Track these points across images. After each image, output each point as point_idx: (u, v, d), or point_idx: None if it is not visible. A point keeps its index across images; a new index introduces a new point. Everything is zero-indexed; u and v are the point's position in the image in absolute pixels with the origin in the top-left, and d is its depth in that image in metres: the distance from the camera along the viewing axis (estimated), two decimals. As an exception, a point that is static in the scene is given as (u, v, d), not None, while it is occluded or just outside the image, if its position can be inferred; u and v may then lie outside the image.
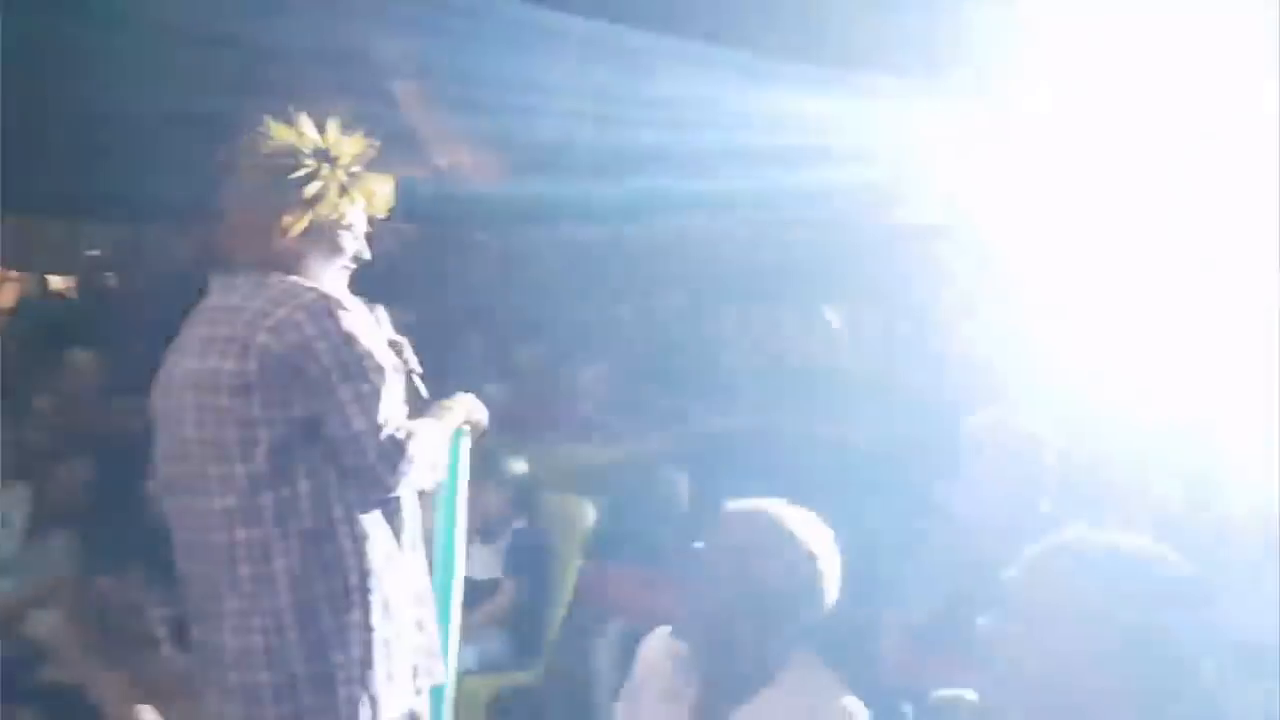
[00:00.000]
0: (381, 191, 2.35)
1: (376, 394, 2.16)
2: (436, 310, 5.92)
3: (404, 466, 2.16)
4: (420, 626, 2.29)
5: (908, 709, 1.79)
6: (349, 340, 2.15)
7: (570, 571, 3.83)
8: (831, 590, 1.88)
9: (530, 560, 3.83)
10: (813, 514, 1.92)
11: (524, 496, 3.94)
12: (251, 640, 2.17)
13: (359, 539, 2.19)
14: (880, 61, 4.76)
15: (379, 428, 2.14)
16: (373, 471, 2.15)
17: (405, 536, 2.28)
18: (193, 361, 2.22)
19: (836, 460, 3.88)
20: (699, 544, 1.93)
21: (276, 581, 2.16)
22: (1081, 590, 1.40)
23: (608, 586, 3.84)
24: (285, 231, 2.23)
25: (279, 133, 2.28)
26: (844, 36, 4.80)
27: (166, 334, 2.36)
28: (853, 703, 1.86)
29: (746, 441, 4.28)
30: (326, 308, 2.15)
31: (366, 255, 2.37)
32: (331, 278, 2.31)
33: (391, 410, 2.19)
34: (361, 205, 2.33)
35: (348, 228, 2.32)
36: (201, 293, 2.34)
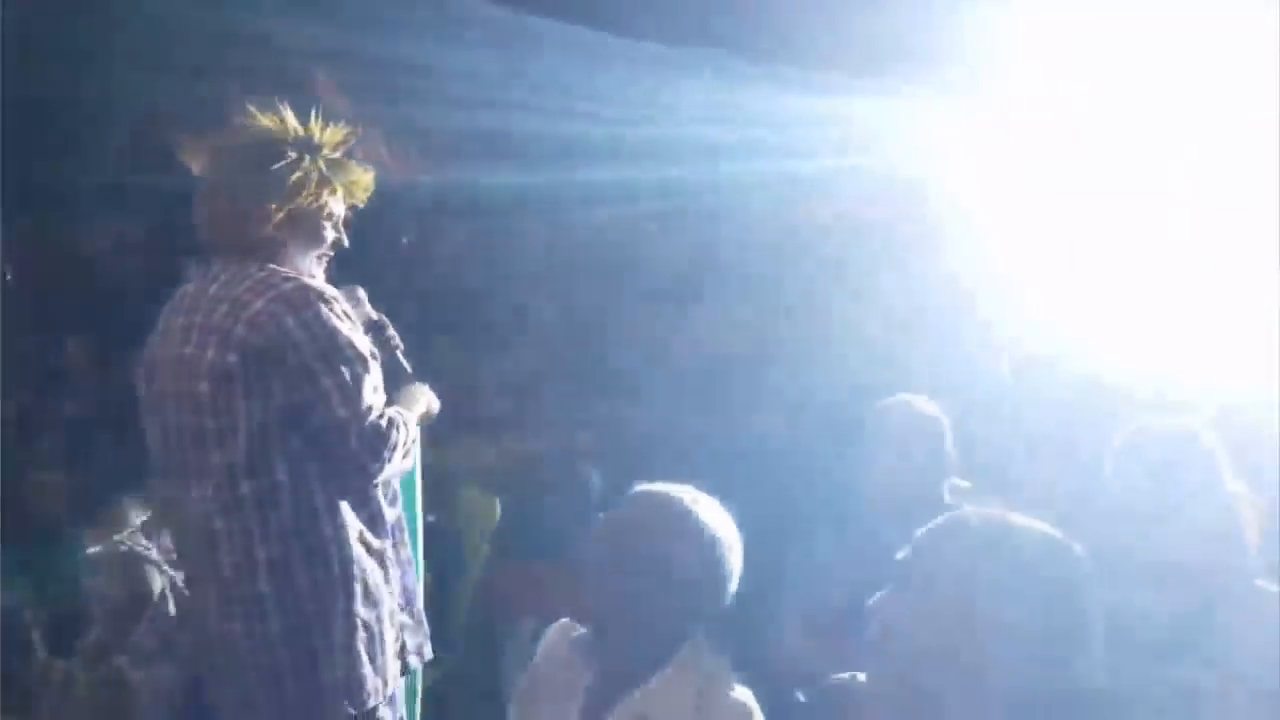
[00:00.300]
0: (362, 180, 2.38)
1: (359, 382, 2.19)
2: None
3: (386, 453, 2.21)
4: (407, 606, 2.34)
5: (800, 696, 1.81)
6: (329, 330, 2.17)
7: (476, 568, 3.80)
8: (733, 577, 1.89)
9: (440, 555, 3.80)
10: (717, 501, 1.93)
11: (436, 491, 3.92)
12: (233, 626, 2.21)
13: (339, 527, 2.22)
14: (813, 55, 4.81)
15: (362, 416, 2.18)
16: (357, 459, 2.19)
17: (386, 520, 2.32)
18: (173, 349, 2.23)
19: (747, 452, 3.91)
20: (601, 524, 1.94)
21: (257, 570, 2.18)
22: (970, 564, 1.41)
23: (519, 585, 3.84)
24: (266, 220, 2.23)
25: (261, 121, 2.29)
26: (767, 27, 4.84)
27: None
28: (741, 691, 1.87)
29: (657, 436, 4.29)
30: (306, 297, 2.17)
31: (345, 243, 2.39)
32: (310, 265, 2.32)
33: (373, 398, 2.22)
34: (341, 194, 2.35)
35: (328, 216, 2.34)
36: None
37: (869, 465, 2.77)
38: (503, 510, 4.04)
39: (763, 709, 1.88)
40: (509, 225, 5.77)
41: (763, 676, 2.58)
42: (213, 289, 2.23)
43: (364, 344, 2.25)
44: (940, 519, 1.49)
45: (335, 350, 2.17)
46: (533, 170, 5.17)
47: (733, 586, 1.90)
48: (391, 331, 2.49)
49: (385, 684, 2.28)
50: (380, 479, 2.25)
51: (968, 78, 4.53)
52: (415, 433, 2.36)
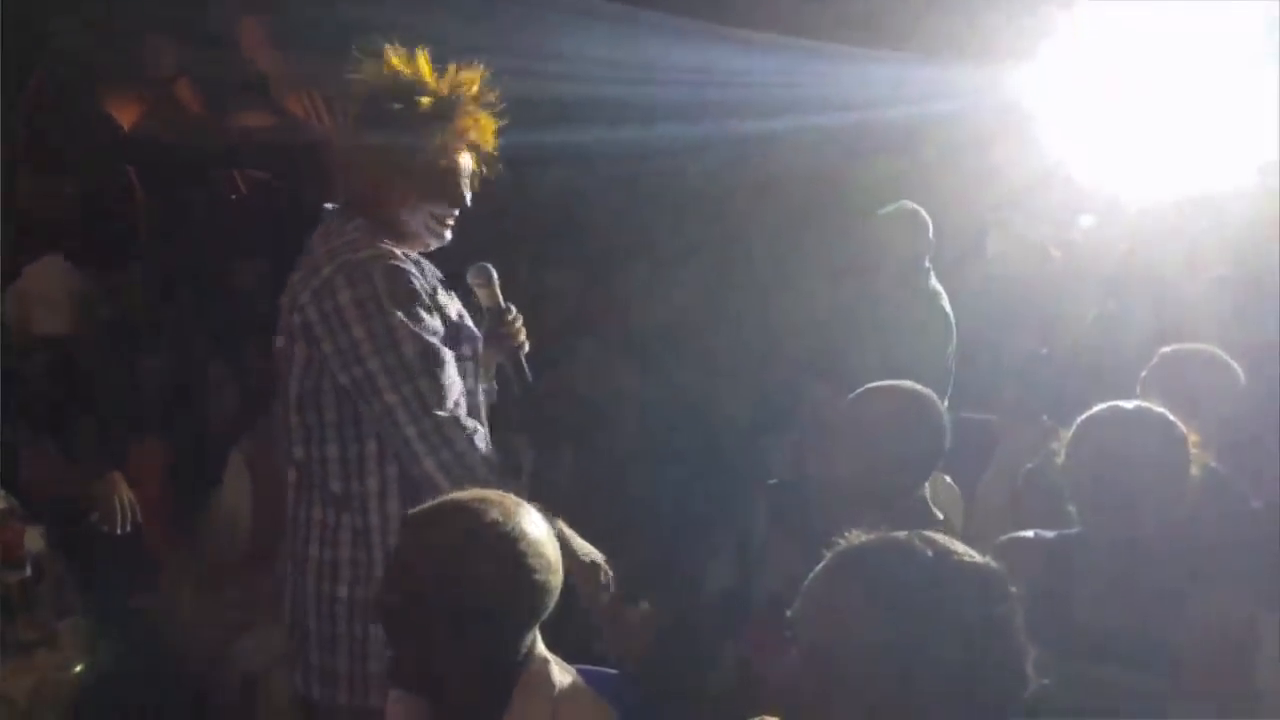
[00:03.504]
0: (487, 130, 2.23)
1: (412, 366, 2.05)
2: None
3: (445, 454, 2.05)
4: None
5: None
6: (383, 306, 2.05)
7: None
8: (546, 579, 1.63)
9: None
10: (503, 502, 1.67)
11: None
12: (282, 582, 2.24)
13: (387, 517, 2.12)
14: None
15: (410, 401, 2.04)
16: (409, 448, 2.07)
17: None
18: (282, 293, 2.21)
19: (682, 425, 3.77)
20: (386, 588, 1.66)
21: (309, 532, 2.16)
22: (873, 597, 1.31)
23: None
24: (380, 170, 2.14)
25: (388, 66, 2.16)
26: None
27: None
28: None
29: (589, 406, 4.12)
30: (368, 271, 2.06)
31: (468, 202, 2.24)
32: (421, 224, 2.21)
33: (431, 386, 2.05)
34: (467, 146, 2.21)
35: (450, 170, 2.19)
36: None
37: (845, 449, 2.46)
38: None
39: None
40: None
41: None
42: (315, 239, 2.19)
43: (432, 325, 2.10)
44: (827, 559, 1.36)
45: (386, 330, 2.06)
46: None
47: (550, 592, 1.64)
48: (515, 326, 2.31)
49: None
50: (441, 480, 2.05)
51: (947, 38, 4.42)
52: (479, 463, 2.11)
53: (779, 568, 2.51)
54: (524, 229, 5.17)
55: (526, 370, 2.34)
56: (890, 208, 4.41)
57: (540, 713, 1.62)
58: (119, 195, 6.91)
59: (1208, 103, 4.22)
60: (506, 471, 2.16)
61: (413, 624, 1.60)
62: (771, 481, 2.68)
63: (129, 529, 2.87)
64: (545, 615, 1.67)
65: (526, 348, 2.35)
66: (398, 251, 2.17)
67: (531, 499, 3.19)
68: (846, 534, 1.39)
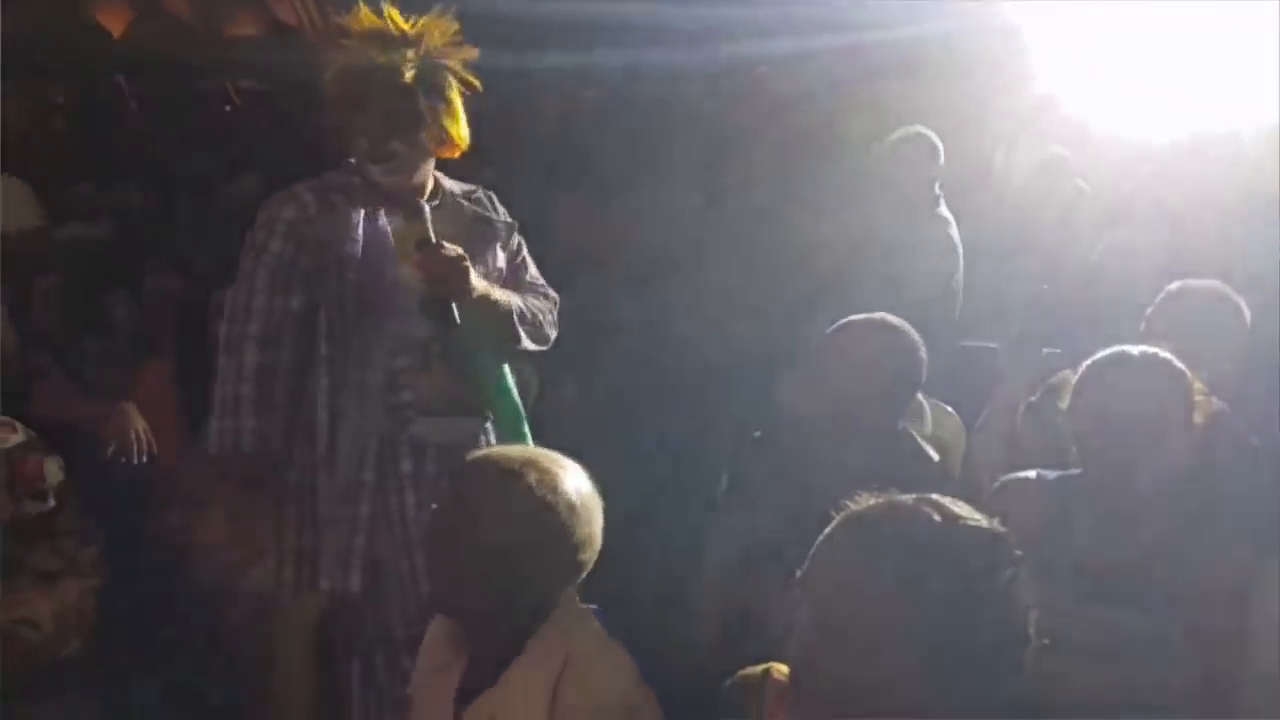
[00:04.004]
0: (458, 70, 2.46)
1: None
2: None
3: None
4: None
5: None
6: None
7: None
8: (588, 541, 1.75)
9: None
10: (554, 454, 1.78)
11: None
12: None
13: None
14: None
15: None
16: None
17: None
18: None
19: (676, 356, 3.77)
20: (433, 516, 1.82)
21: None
22: (862, 579, 1.34)
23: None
24: (350, 109, 2.42)
25: (366, 18, 2.37)
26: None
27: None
28: (614, 657, 1.76)
29: (591, 335, 4.13)
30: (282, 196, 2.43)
31: (442, 137, 2.49)
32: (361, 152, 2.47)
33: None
34: (447, 89, 2.44)
35: (427, 112, 2.43)
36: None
37: (822, 384, 2.48)
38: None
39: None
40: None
41: (684, 616, 2.49)
42: None
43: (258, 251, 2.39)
44: (834, 524, 1.39)
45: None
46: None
47: (588, 543, 1.75)
48: (441, 261, 2.44)
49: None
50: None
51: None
52: None
53: (766, 508, 2.55)
54: (521, 157, 5.12)
55: (454, 313, 2.41)
56: (900, 132, 4.38)
57: (553, 653, 1.71)
58: (109, 104, 6.82)
59: (1227, 37, 4.17)
60: None
61: (447, 562, 1.74)
62: (757, 433, 2.69)
63: (144, 459, 2.91)
64: (575, 574, 1.76)
65: (456, 289, 2.44)
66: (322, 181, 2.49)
67: (534, 425, 3.28)
68: (855, 497, 1.42)
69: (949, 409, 3.37)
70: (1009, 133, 4.98)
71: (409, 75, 2.40)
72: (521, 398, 4.10)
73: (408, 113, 2.43)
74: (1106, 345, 2.26)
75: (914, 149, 4.33)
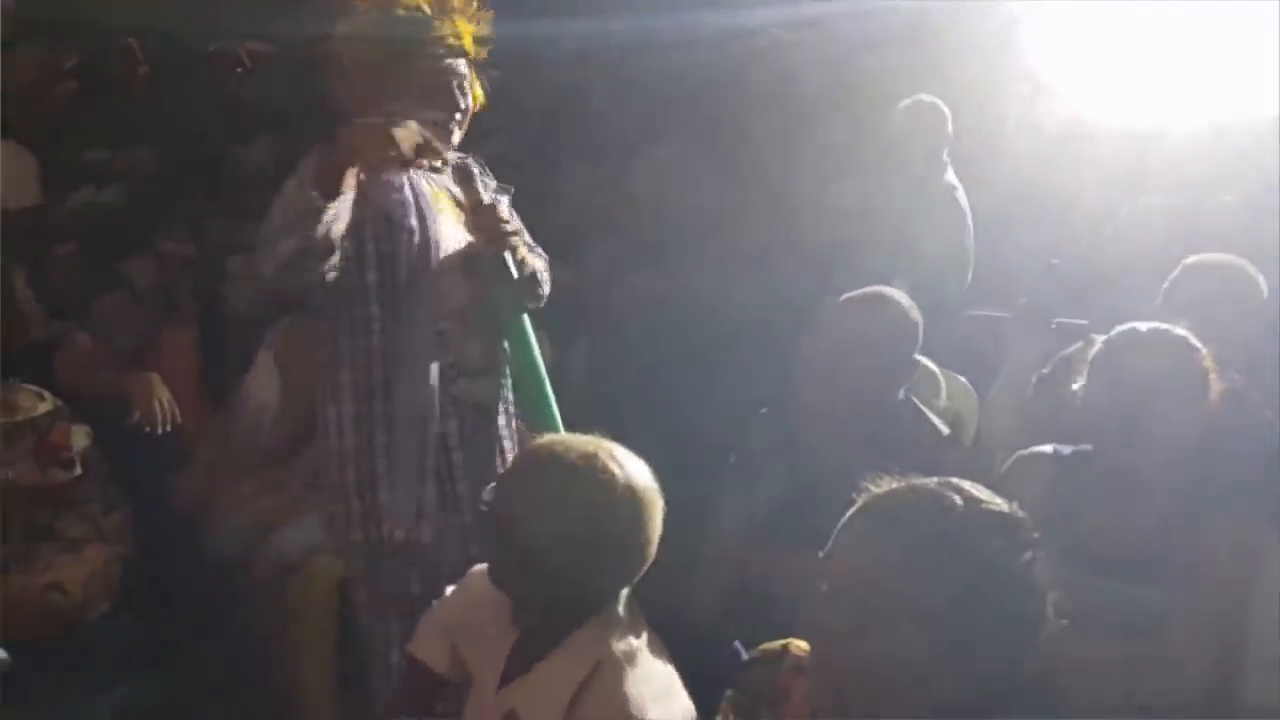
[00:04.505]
0: (478, 35, 2.45)
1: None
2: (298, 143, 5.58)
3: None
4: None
5: (739, 650, 1.71)
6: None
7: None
8: (648, 534, 1.73)
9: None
10: (620, 448, 1.76)
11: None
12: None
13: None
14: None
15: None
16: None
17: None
18: None
19: (689, 323, 3.78)
20: (492, 490, 1.79)
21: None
22: (904, 547, 1.36)
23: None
24: (378, 80, 2.38)
25: None
26: None
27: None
28: (655, 655, 1.76)
29: (604, 298, 4.14)
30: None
31: (461, 105, 2.48)
32: (426, 125, 2.41)
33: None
34: (461, 51, 2.43)
35: (442, 75, 2.42)
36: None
37: (820, 359, 2.53)
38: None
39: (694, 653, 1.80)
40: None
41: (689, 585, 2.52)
42: None
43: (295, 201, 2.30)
44: (856, 508, 1.41)
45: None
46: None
47: (650, 550, 1.74)
48: (494, 221, 2.45)
49: None
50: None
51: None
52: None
53: (771, 481, 2.60)
54: (532, 124, 5.12)
55: (511, 267, 2.45)
56: (908, 101, 4.39)
57: (586, 656, 1.71)
58: (120, 68, 6.79)
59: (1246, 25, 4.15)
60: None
61: (497, 547, 1.75)
62: (763, 410, 2.73)
63: (168, 428, 2.96)
64: (633, 573, 1.76)
65: (513, 246, 2.47)
66: None
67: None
68: (875, 481, 1.43)
69: (964, 380, 3.41)
70: (1020, 100, 4.96)
71: (448, 42, 2.41)
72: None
73: (448, 84, 2.45)
74: (1121, 314, 2.29)
75: (923, 117, 4.34)
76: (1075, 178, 4.67)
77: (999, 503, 1.42)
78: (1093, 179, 4.54)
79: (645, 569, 1.76)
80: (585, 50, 5.32)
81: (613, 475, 1.69)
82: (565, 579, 1.69)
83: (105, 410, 2.96)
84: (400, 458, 2.41)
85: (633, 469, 1.73)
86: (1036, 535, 1.41)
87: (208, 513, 3.32)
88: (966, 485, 1.42)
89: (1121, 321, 2.23)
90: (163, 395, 2.97)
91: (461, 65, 2.46)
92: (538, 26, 4.71)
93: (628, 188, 4.45)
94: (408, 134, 2.33)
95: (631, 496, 1.70)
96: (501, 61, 2.58)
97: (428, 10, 2.40)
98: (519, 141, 4.91)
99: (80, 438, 2.81)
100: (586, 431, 1.81)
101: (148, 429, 2.95)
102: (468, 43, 2.43)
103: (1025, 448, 2.48)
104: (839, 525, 1.43)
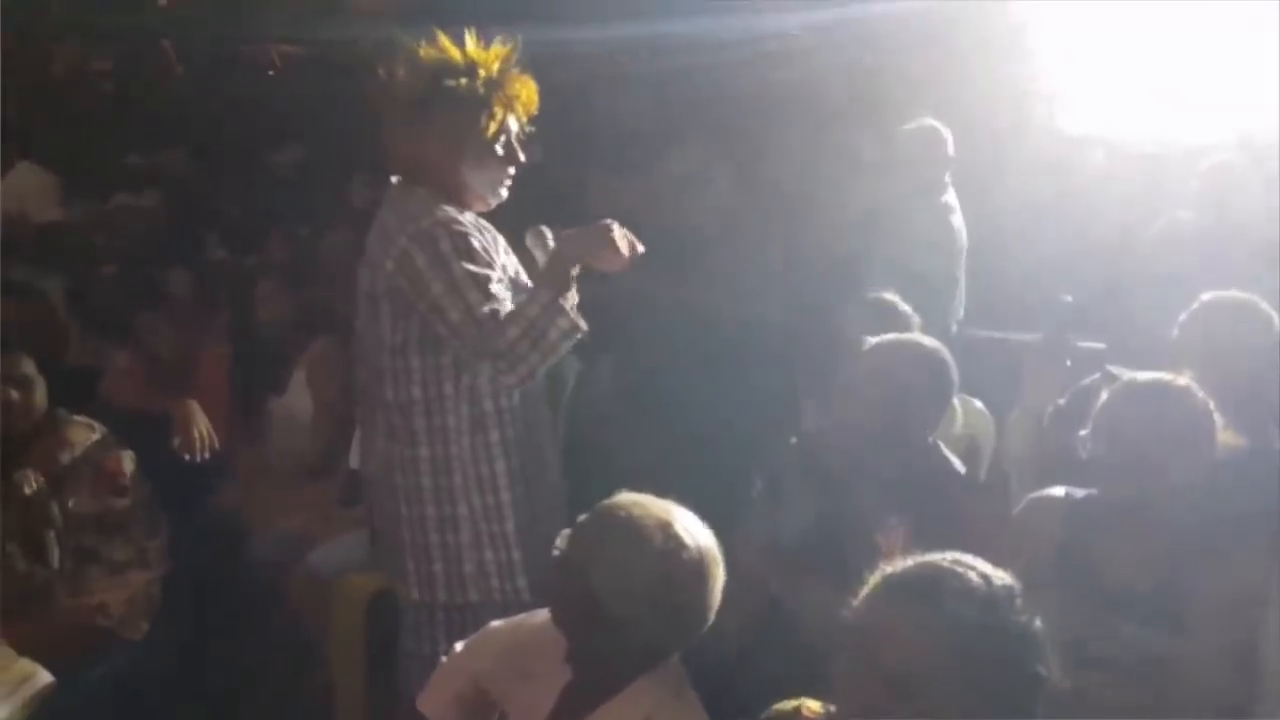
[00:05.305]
0: (526, 95, 2.52)
1: (465, 282, 2.35)
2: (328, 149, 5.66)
3: (502, 344, 2.33)
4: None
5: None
6: (450, 264, 2.37)
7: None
8: (710, 601, 1.82)
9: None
10: (687, 513, 1.85)
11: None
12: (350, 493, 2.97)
13: (463, 447, 2.50)
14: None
15: (473, 309, 2.34)
16: (478, 356, 2.38)
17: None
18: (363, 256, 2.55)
19: (708, 336, 3.83)
20: (567, 538, 1.86)
21: (394, 462, 2.55)
22: (926, 621, 1.47)
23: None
24: (431, 143, 2.44)
25: (426, 53, 2.45)
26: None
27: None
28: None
29: (621, 309, 4.19)
30: (434, 236, 2.38)
31: (522, 159, 2.55)
32: (483, 186, 2.52)
33: (484, 293, 2.36)
34: (510, 112, 2.50)
35: (498, 136, 2.49)
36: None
37: (860, 398, 2.59)
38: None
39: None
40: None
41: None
42: (383, 210, 2.51)
43: (485, 264, 2.40)
44: (876, 584, 1.52)
45: (451, 270, 2.36)
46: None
47: (709, 616, 1.83)
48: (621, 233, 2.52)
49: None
50: (520, 372, 2.37)
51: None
52: (543, 314, 2.38)
53: (799, 510, 2.66)
54: (553, 131, 5.16)
55: (549, 239, 2.59)
56: (912, 125, 4.51)
57: (638, 709, 1.81)
58: (155, 69, 6.89)
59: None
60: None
61: (566, 593, 1.84)
62: (793, 439, 2.80)
63: (207, 456, 3.06)
64: (690, 637, 1.84)
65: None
66: (458, 216, 2.47)
67: (572, 409, 3.39)
68: (888, 563, 1.55)
69: (980, 405, 3.46)
70: (1034, 109, 5.00)
71: (495, 114, 2.49)
72: (561, 378, 4.23)
73: (506, 155, 2.55)
74: (1139, 333, 2.31)
75: (923, 143, 4.50)
76: (1096, 185, 4.71)
77: (1002, 576, 1.52)
78: (1115, 191, 4.58)
79: (680, 633, 1.84)
80: (609, 58, 5.36)
81: (684, 542, 1.79)
82: (632, 633, 1.78)
83: (145, 429, 3.06)
84: (540, 512, 2.55)
85: (702, 538, 1.83)
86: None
87: (247, 526, 3.43)
88: (974, 561, 1.53)
89: (1139, 343, 2.28)
90: (202, 425, 3.07)
91: (513, 121, 2.54)
92: (559, 32, 4.77)
93: (646, 196, 4.52)
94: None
95: (700, 564, 1.80)
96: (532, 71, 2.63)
97: (491, 78, 2.48)
98: (539, 150, 4.96)
99: (128, 463, 2.92)
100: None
101: (186, 457, 3.05)
102: (528, 99, 2.54)
103: (1040, 480, 2.57)
104: (860, 598, 1.51)
